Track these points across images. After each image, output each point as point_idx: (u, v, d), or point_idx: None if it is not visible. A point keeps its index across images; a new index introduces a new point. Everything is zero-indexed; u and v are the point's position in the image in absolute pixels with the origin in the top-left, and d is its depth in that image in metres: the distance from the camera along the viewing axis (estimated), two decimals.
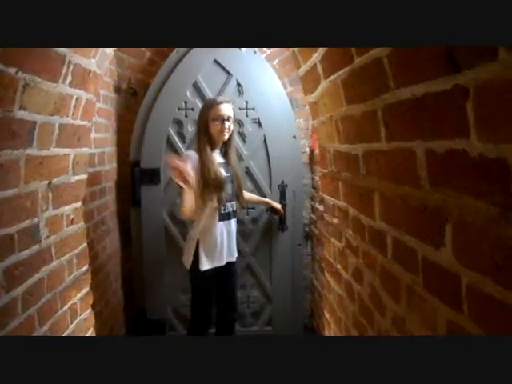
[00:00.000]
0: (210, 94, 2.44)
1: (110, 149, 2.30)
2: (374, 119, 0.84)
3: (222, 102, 1.93)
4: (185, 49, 2.40)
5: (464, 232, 0.58)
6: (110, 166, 2.30)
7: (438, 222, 0.64)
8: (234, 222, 2.04)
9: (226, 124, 1.91)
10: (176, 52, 2.40)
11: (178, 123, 2.45)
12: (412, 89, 0.66)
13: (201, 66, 2.42)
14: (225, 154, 2.02)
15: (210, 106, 1.94)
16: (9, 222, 0.98)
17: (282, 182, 2.48)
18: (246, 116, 2.46)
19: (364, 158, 0.98)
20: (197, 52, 2.40)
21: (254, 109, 2.45)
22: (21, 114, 0.96)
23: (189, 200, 1.79)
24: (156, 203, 2.48)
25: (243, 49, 2.41)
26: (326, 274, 1.50)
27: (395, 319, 0.85)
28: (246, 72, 2.42)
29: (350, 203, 1.15)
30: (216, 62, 2.42)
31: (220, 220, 1.96)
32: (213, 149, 1.94)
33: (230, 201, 2.00)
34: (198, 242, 1.94)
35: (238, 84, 2.44)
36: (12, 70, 0.88)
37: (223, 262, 1.99)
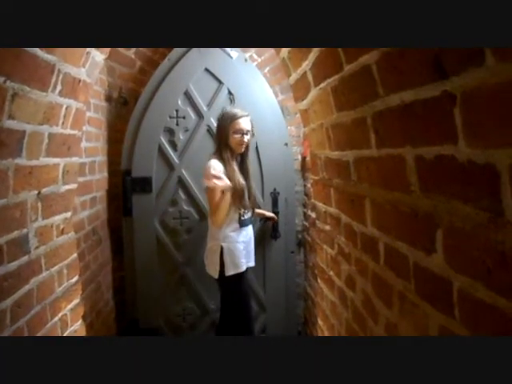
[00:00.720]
0: (201, 102, 2.44)
1: (101, 158, 2.28)
2: (364, 126, 0.85)
3: (241, 116, 2.04)
4: (176, 57, 2.40)
5: (454, 237, 0.58)
6: (101, 175, 2.29)
7: (428, 228, 0.64)
8: (251, 228, 2.18)
9: (245, 137, 2.03)
10: (167, 60, 2.40)
11: (170, 131, 2.45)
12: (401, 95, 0.66)
13: (192, 74, 2.43)
14: (240, 164, 2.12)
15: (230, 119, 2.04)
16: None
17: (274, 189, 2.48)
18: None
19: (355, 165, 0.98)
20: (188, 60, 2.41)
21: None
22: (9, 124, 0.95)
23: (225, 208, 1.96)
24: (148, 212, 2.47)
25: (234, 56, 2.42)
26: (319, 280, 1.50)
27: (388, 325, 0.85)
28: (237, 80, 2.44)
29: (341, 210, 1.15)
30: (207, 70, 2.44)
31: (241, 226, 2.07)
32: (232, 159, 2.06)
33: (247, 208, 2.11)
34: (221, 249, 2.02)
35: (230, 92, 2.46)
36: (0, 79, 0.87)
37: (244, 267, 2.08)
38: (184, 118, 2.45)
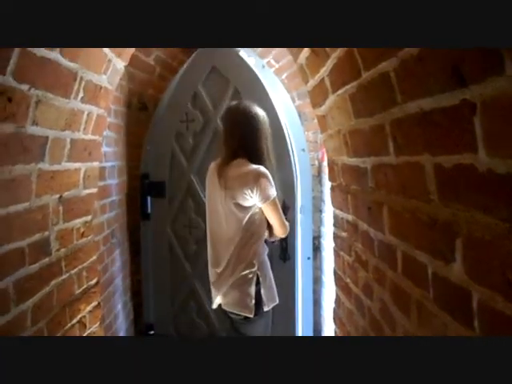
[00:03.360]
0: (209, 105, 2.38)
1: (120, 162, 2.32)
2: (382, 133, 0.84)
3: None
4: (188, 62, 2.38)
5: (474, 247, 0.57)
6: (120, 180, 2.33)
7: (448, 237, 0.63)
8: None
9: None
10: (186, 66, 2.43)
11: (180, 136, 2.44)
12: (419, 103, 0.66)
13: (201, 75, 2.36)
14: None
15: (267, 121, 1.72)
16: (20, 235, 1.00)
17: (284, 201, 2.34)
18: None
19: (372, 172, 0.97)
20: (197, 61, 2.35)
21: None
22: (33, 130, 0.98)
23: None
24: (163, 217, 2.50)
25: (251, 63, 2.42)
26: (336, 287, 1.48)
27: (405, 334, 0.84)
28: (251, 85, 2.33)
29: (358, 217, 1.14)
30: (215, 69, 2.34)
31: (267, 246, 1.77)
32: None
33: None
34: (257, 278, 1.64)
35: (237, 91, 2.33)
36: (25, 87, 0.90)
37: (277, 299, 1.74)
38: (193, 121, 2.42)
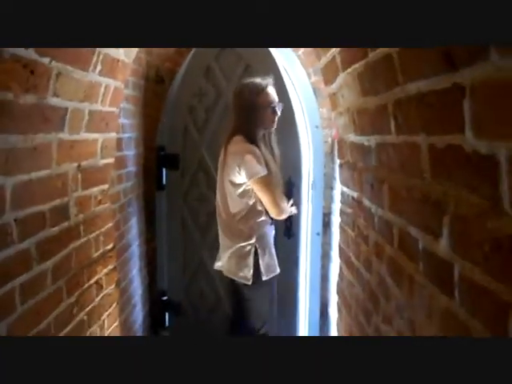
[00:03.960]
0: (221, 79, 2.37)
1: (137, 134, 2.38)
2: (385, 112, 0.87)
3: (267, 86, 1.73)
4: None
5: (459, 223, 0.61)
6: (137, 151, 2.39)
7: (437, 214, 0.67)
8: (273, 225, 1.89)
9: (278, 110, 1.75)
10: None
11: (193, 109, 2.45)
12: (418, 85, 0.68)
13: (214, 50, 2.34)
14: (269, 146, 1.81)
15: (257, 91, 1.70)
16: (41, 200, 1.07)
17: (290, 178, 2.29)
18: None
19: (376, 150, 1.00)
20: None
21: None
22: (53, 101, 1.04)
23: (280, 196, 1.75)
24: (176, 188, 2.56)
25: None
26: (340, 261, 1.54)
27: (398, 305, 0.89)
28: (263, 61, 2.26)
29: (362, 193, 1.18)
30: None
31: (271, 224, 1.83)
32: (261, 140, 1.75)
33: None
34: (256, 250, 1.75)
35: (249, 66, 2.31)
36: (46, 60, 0.95)
37: (278, 270, 1.83)
38: (206, 95, 2.42)
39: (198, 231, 2.58)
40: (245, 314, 1.87)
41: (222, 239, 1.89)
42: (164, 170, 2.58)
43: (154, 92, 2.54)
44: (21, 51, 0.86)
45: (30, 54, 0.88)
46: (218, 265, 1.95)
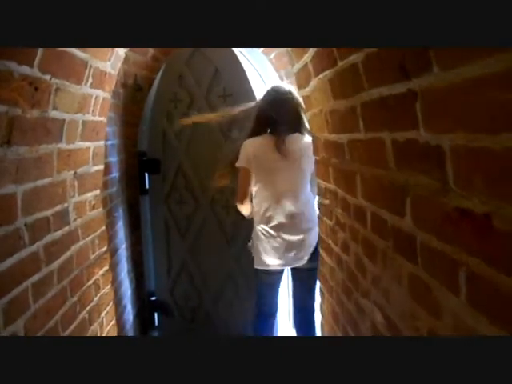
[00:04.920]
0: (193, 85, 2.45)
1: (119, 141, 2.45)
2: (354, 113, 1.00)
3: None
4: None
5: (418, 202, 0.75)
6: (120, 157, 2.46)
7: (401, 197, 0.81)
8: None
9: None
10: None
11: (170, 115, 2.54)
12: (379, 90, 0.82)
13: (185, 55, 2.43)
14: None
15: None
16: (45, 206, 1.16)
17: None
18: None
19: (348, 146, 1.14)
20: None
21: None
22: (53, 114, 1.13)
23: None
24: (158, 192, 2.65)
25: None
26: (320, 249, 1.67)
27: (374, 279, 1.03)
28: (231, 66, 2.36)
29: (338, 185, 1.31)
30: (201, 52, 2.39)
31: None
32: None
33: None
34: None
35: (218, 71, 2.39)
36: (47, 77, 1.04)
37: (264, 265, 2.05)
38: (181, 100, 2.50)
39: (178, 233, 2.66)
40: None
41: (292, 229, 1.93)
42: (146, 175, 2.66)
43: (132, 99, 2.61)
44: (27, 70, 0.95)
45: (34, 72, 0.97)
46: (290, 256, 1.95)
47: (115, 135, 2.35)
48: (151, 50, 2.65)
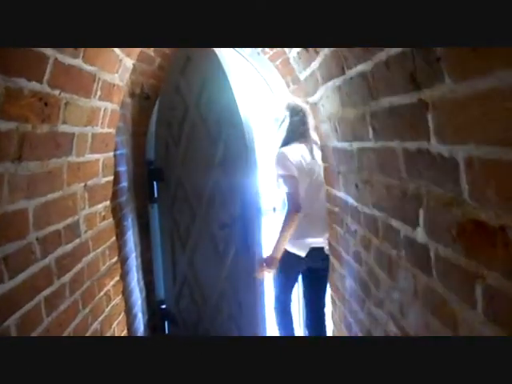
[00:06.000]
0: (187, 94, 2.42)
1: (128, 150, 2.46)
2: (364, 122, 1.00)
3: None
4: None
5: (431, 214, 0.74)
6: (128, 167, 2.47)
7: (414, 207, 0.80)
8: None
9: None
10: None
11: (169, 124, 2.52)
12: (389, 99, 0.81)
13: (181, 64, 2.40)
14: None
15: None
16: (56, 219, 1.16)
17: None
18: None
19: (358, 154, 1.13)
20: (178, 52, 2.40)
21: None
22: (63, 128, 1.13)
23: None
24: (165, 201, 2.64)
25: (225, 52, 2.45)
26: (331, 257, 1.66)
27: (387, 290, 1.01)
28: (217, 75, 2.27)
29: (348, 193, 1.30)
30: (190, 59, 2.35)
31: None
32: None
33: None
34: None
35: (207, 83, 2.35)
36: (56, 92, 1.05)
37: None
38: (177, 109, 2.47)
39: (180, 243, 2.62)
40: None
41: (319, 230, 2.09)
42: (155, 184, 2.67)
43: (140, 109, 2.63)
44: (37, 86, 0.95)
45: (44, 87, 0.98)
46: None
47: (124, 145, 2.36)
48: (158, 59, 2.67)
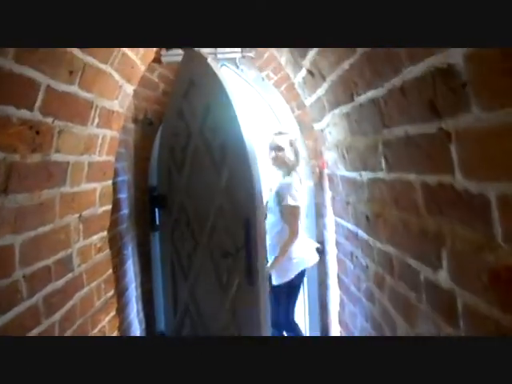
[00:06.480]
0: (190, 119, 2.33)
1: (129, 176, 2.41)
2: (376, 151, 0.93)
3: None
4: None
5: (457, 256, 0.65)
6: (130, 193, 2.41)
7: (435, 247, 0.72)
8: None
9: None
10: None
11: (172, 150, 2.42)
12: (405, 128, 0.74)
13: (182, 89, 2.33)
14: None
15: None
16: (46, 254, 1.08)
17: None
18: None
19: (368, 185, 1.06)
20: (181, 76, 2.35)
21: None
22: (56, 157, 1.07)
23: None
24: (166, 229, 2.55)
25: (251, 76, 2.48)
26: (340, 291, 1.57)
27: (403, 334, 0.92)
28: (220, 98, 2.20)
29: (358, 225, 1.22)
30: (193, 83, 2.26)
31: None
32: None
33: None
34: None
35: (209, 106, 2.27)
36: (49, 120, 0.99)
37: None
38: (180, 135, 2.38)
39: (182, 273, 2.51)
40: None
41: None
42: (157, 211, 2.60)
43: (143, 134, 2.59)
44: (26, 114, 0.90)
45: (35, 115, 0.93)
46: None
47: (126, 171, 2.31)
48: (162, 85, 2.65)
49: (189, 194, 2.40)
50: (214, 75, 2.24)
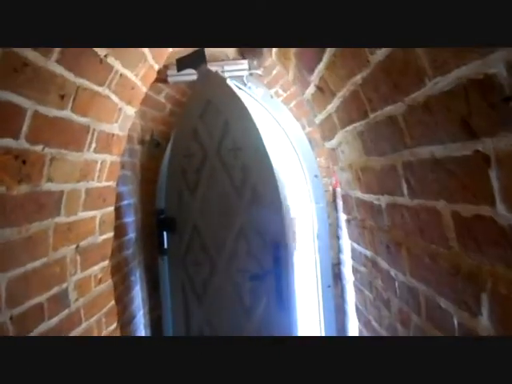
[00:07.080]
0: (206, 139, 2.29)
1: (136, 199, 2.34)
2: (395, 173, 0.83)
3: None
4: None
5: (500, 303, 0.54)
6: (136, 217, 2.34)
7: (472, 289, 0.61)
8: None
9: None
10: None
11: (184, 171, 2.35)
12: (431, 149, 0.64)
13: (199, 107, 2.27)
14: None
15: None
16: (38, 291, 1.00)
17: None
18: None
19: (388, 210, 0.95)
20: (196, 94, 2.32)
21: None
22: (48, 186, 1.00)
23: None
24: (176, 254, 2.45)
25: (259, 94, 2.43)
26: (359, 323, 1.44)
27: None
28: (240, 117, 2.18)
29: (377, 253, 1.11)
30: (210, 103, 2.23)
31: None
32: None
33: None
34: None
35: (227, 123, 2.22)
36: (39, 148, 0.92)
37: None
38: (194, 155, 2.31)
39: (195, 298, 2.41)
40: None
41: None
42: (165, 234, 2.51)
43: (150, 156, 2.54)
44: (11, 142, 0.83)
45: (21, 144, 0.86)
46: None
47: (132, 194, 2.24)
48: (168, 105, 2.60)
49: (203, 216, 2.31)
50: (234, 95, 2.19)
